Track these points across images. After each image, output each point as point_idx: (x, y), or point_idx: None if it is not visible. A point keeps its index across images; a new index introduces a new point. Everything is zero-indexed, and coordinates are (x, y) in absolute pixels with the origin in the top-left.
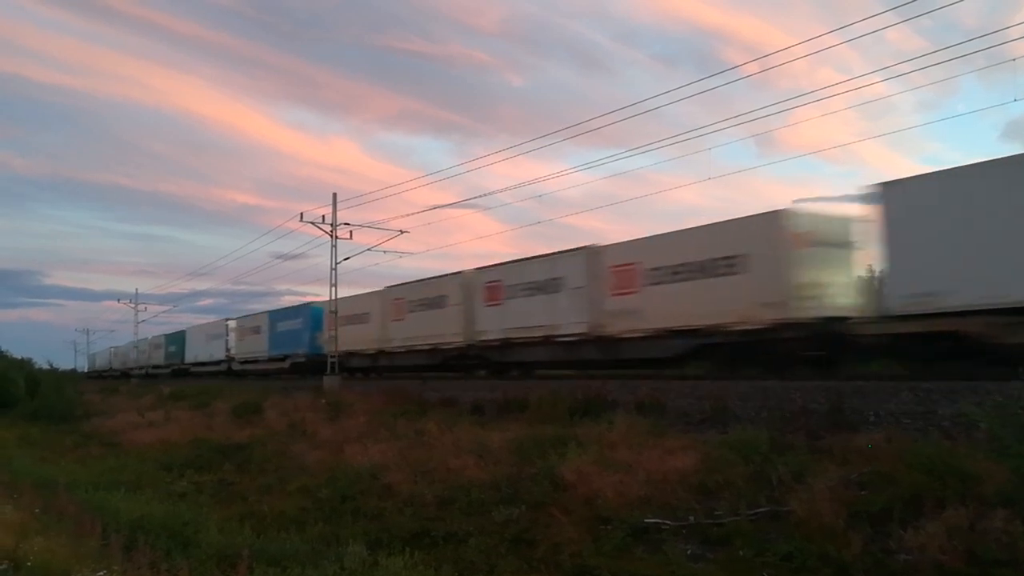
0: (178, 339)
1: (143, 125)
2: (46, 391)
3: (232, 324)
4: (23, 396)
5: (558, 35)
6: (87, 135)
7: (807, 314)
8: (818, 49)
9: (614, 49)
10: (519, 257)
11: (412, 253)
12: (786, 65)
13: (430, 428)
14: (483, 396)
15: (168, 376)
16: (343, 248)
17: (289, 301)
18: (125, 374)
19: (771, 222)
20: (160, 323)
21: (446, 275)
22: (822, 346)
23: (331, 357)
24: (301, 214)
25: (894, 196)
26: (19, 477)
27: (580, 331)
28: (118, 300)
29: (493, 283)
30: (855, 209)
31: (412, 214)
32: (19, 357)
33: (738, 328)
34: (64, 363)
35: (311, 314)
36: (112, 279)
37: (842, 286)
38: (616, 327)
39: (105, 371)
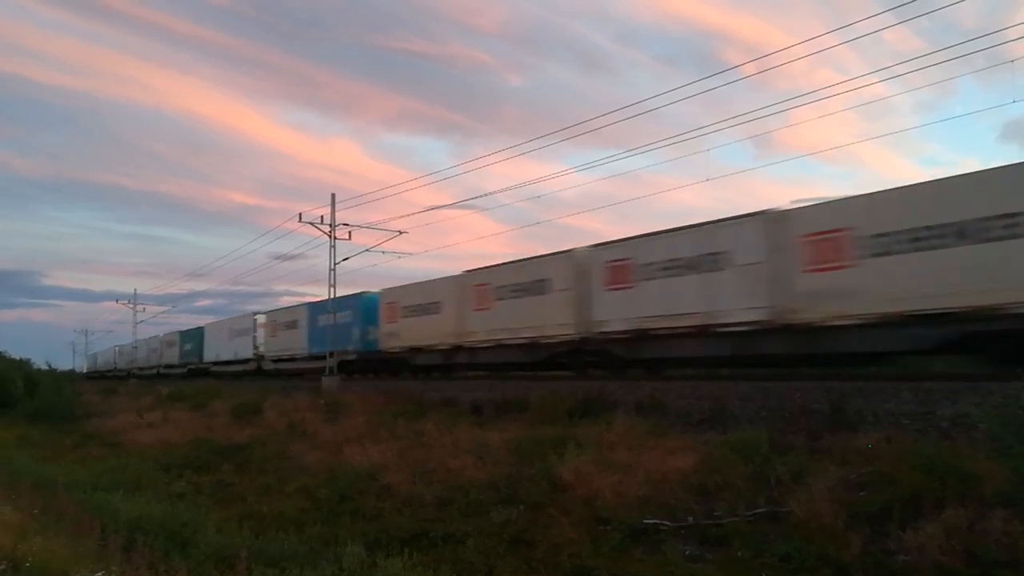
0: (195, 336)
1: (143, 125)
2: (45, 391)
3: (261, 319)
4: (22, 396)
5: (558, 35)
6: (88, 135)
7: None
8: (817, 50)
9: (614, 50)
10: (646, 233)
11: (411, 254)
12: (785, 66)
13: (429, 429)
14: (482, 396)
15: (184, 377)
16: (342, 249)
17: (287, 302)
18: (133, 374)
19: None
20: (159, 324)
21: (548, 255)
22: None
23: (387, 351)
24: (300, 214)
25: None
26: (18, 477)
27: (756, 318)
28: (117, 301)
29: (618, 262)
30: None
31: (411, 215)
32: (17, 358)
33: None
34: (63, 364)
35: (363, 305)
36: (112, 279)
37: None
38: (815, 312)
39: (109, 371)
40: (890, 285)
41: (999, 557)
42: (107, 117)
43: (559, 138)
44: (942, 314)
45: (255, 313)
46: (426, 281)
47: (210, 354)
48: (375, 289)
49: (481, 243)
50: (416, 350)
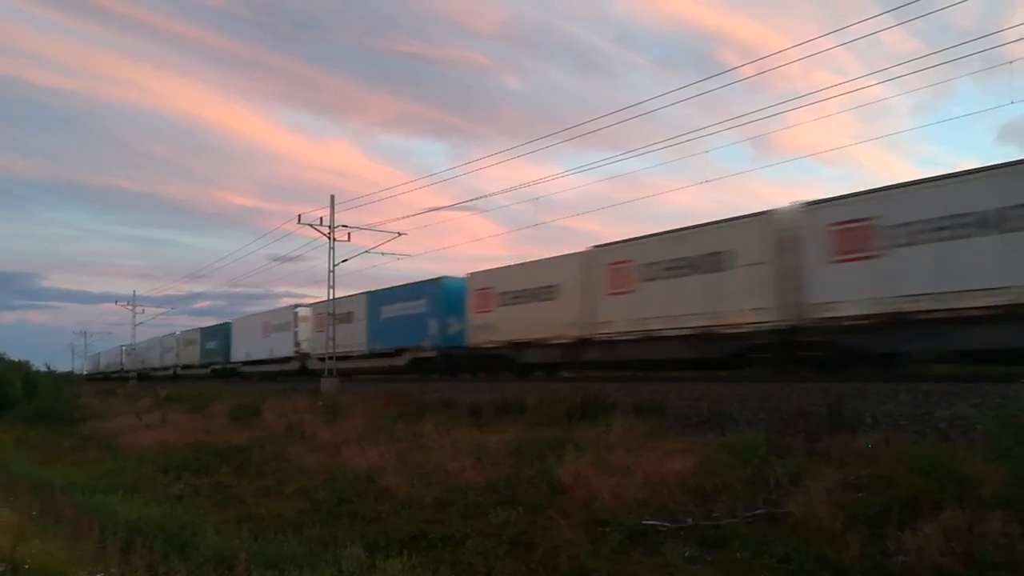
0: (220, 333)
1: (142, 127)
2: (44, 394)
3: (304, 312)
4: (20, 398)
5: (557, 38)
6: (86, 137)
7: None
8: (815, 52)
9: (613, 52)
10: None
11: (409, 255)
12: (783, 68)
13: (428, 430)
14: (481, 398)
15: (208, 378)
16: (341, 250)
17: (287, 303)
18: (145, 375)
19: None
20: (158, 325)
21: (724, 221)
22: None
23: (479, 347)
24: (299, 216)
25: None
26: (17, 480)
27: None
28: (115, 302)
29: (852, 225)
30: None
31: (409, 216)
32: (16, 359)
33: None
34: (62, 366)
35: (443, 293)
36: (111, 281)
37: None
38: None
39: (114, 372)
40: None
41: (997, 559)
42: (106, 119)
43: (558, 140)
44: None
45: (295, 305)
46: (534, 261)
47: (239, 353)
48: (377, 288)
49: (480, 245)
50: (521, 345)
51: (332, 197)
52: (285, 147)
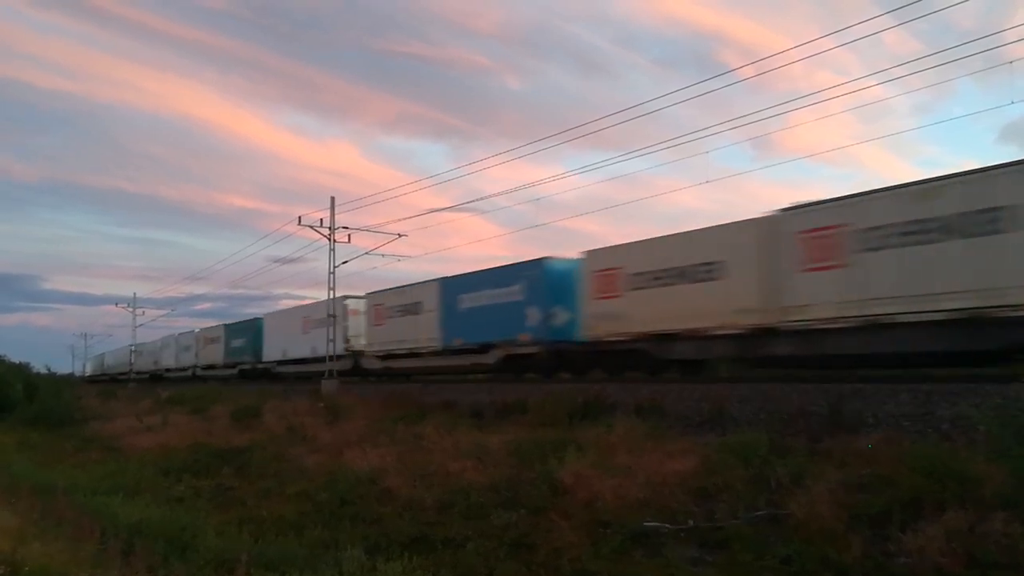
0: (248, 329)
1: (142, 129)
2: (45, 396)
3: (355, 304)
4: (21, 401)
5: (557, 38)
6: (86, 139)
7: None
8: (815, 52)
9: (614, 52)
10: None
11: (410, 257)
12: (784, 68)
13: (429, 432)
14: (482, 399)
15: (233, 379)
16: (341, 251)
17: (287, 304)
18: (158, 376)
19: None
20: (158, 327)
21: (1001, 166)
22: None
23: (582, 343)
24: (299, 218)
25: None
26: (18, 482)
27: None
28: (116, 304)
29: None
30: None
31: (410, 217)
32: (17, 362)
33: None
34: (63, 367)
35: (546, 277)
36: (111, 283)
37: None
38: None
39: (122, 374)
40: None
41: (999, 559)
42: (105, 120)
43: (558, 141)
44: None
45: (344, 296)
46: (683, 233)
47: (273, 351)
48: (377, 288)
49: (480, 246)
50: (664, 337)
51: (332, 198)
52: (285, 148)
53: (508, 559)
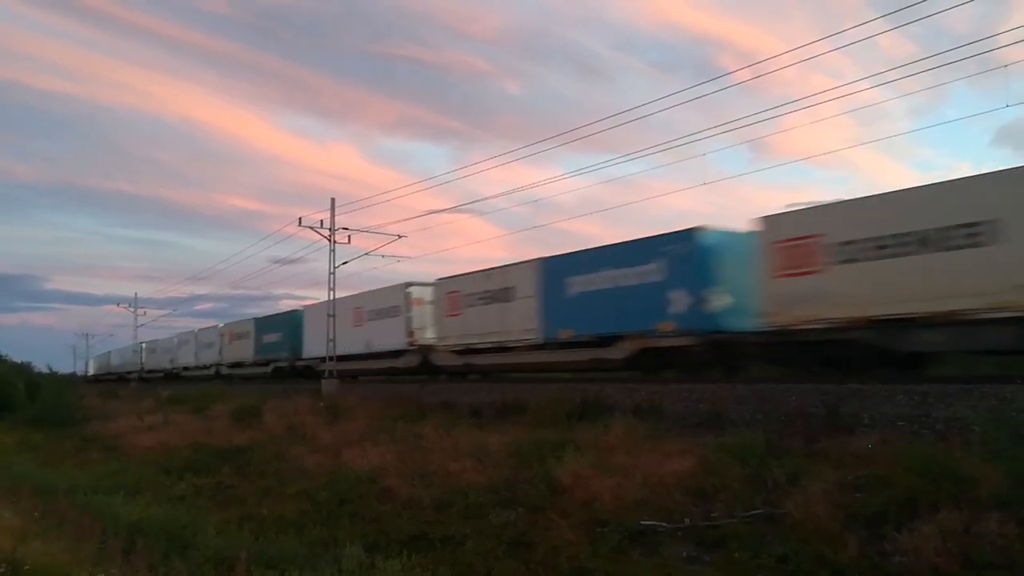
0: (285, 323)
1: (144, 131)
2: (46, 395)
3: (419, 292)
4: (23, 400)
5: (555, 43)
6: (87, 141)
7: None
8: (810, 56)
9: (611, 57)
10: None
11: (409, 257)
12: (779, 72)
13: (428, 432)
14: (481, 399)
15: (265, 378)
16: (341, 252)
17: (287, 305)
18: (174, 375)
19: None
20: (159, 327)
21: None
22: None
23: (760, 332)
24: (300, 219)
25: None
26: (19, 481)
27: None
28: (118, 304)
29: None
30: None
31: (409, 219)
32: (19, 361)
33: None
34: (64, 367)
35: (696, 252)
36: (113, 284)
37: None
38: None
39: (131, 372)
40: None
41: (994, 560)
42: (106, 123)
43: (556, 144)
44: None
45: (408, 284)
46: (921, 187)
47: (314, 347)
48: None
49: (479, 247)
50: (898, 323)
51: (332, 200)
52: (286, 150)
53: (506, 557)
